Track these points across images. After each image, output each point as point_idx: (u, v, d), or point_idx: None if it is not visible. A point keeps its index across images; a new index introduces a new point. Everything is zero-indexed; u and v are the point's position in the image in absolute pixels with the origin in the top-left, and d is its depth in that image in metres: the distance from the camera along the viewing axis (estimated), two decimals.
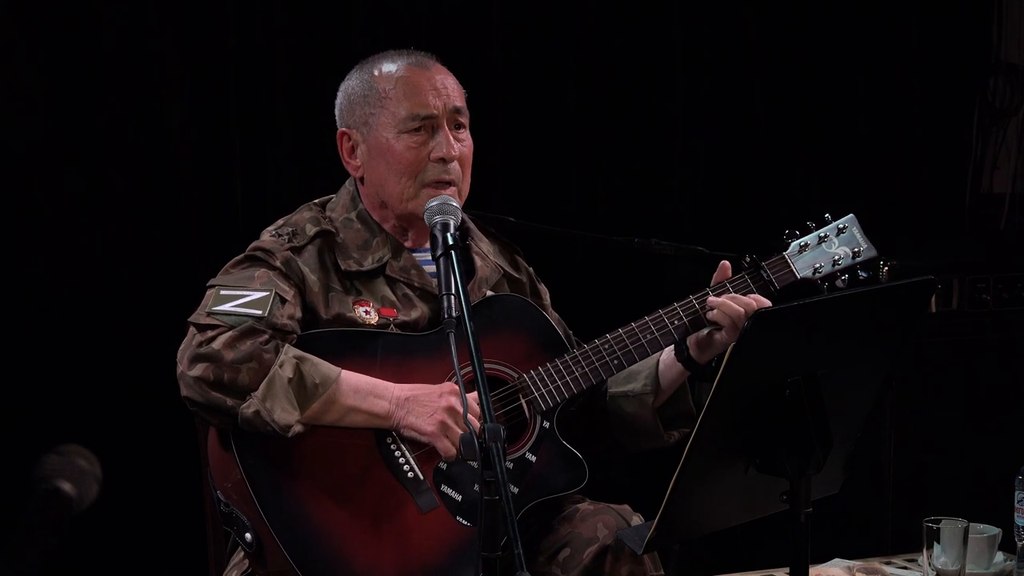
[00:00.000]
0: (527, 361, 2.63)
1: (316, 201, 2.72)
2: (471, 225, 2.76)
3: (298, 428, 2.42)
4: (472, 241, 2.74)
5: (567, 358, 2.63)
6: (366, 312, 2.59)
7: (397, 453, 2.50)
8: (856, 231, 2.80)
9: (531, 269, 2.85)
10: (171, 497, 3.52)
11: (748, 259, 2.73)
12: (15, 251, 3.60)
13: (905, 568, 2.93)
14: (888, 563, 2.95)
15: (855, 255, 2.77)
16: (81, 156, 3.64)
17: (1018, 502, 2.71)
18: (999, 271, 4.01)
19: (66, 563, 2.52)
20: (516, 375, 2.61)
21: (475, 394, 2.17)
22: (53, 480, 1.64)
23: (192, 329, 2.47)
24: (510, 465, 2.56)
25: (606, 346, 2.64)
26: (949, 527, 2.67)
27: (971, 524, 2.71)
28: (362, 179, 2.68)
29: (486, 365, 2.57)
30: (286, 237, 2.60)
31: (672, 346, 2.68)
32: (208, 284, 2.55)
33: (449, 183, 2.62)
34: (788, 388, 2.19)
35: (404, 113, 2.62)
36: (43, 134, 3.60)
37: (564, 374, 2.62)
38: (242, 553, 2.57)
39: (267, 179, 3.83)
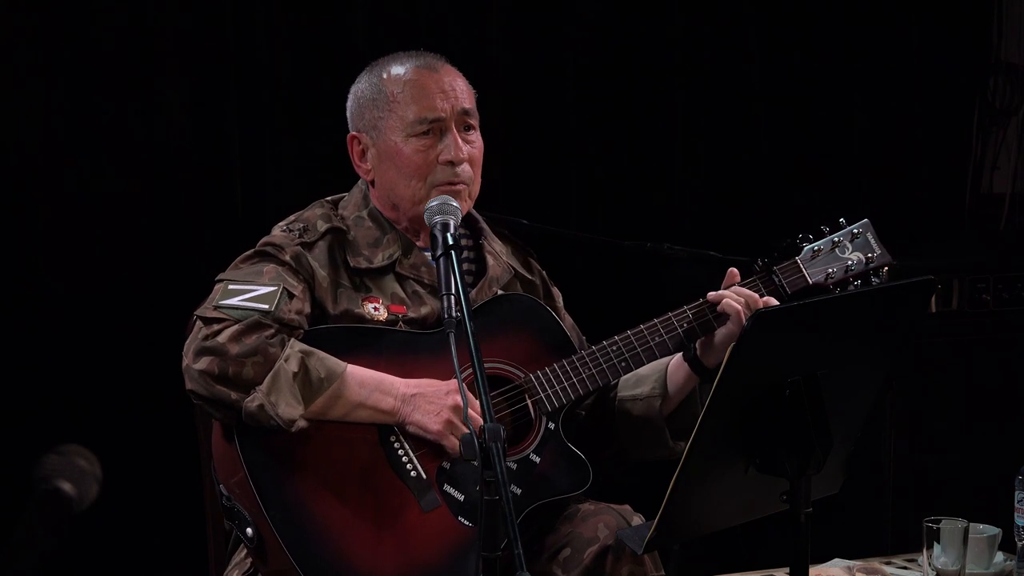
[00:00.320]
0: (534, 361, 2.62)
1: (328, 199, 2.73)
2: (484, 226, 2.77)
3: (302, 423, 2.42)
4: (485, 241, 2.74)
5: (574, 359, 2.63)
6: (375, 308, 2.59)
7: (400, 452, 2.50)
8: (871, 236, 2.77)
9: (544, 272, 2.85)
10: (171, 496, 3.52)
11: (760, 263, 2.72)
12: (15, 251, 3.60)
13: (905, 568, 2.93)
14: (888, 563, 2.95)
15: (868, 261, 2.75)
16: (81, 156, 3.64)
17: (1018, 502, 2.71)
18: (999, 271, 4.01)
19: (66, 563, 2.52)
20: (523, 375, 2.61)
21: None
22: (53, 480, 1.64)
23: (198, 322, 2.48)
24: (514, 466, 2.56)
25: (614, 348, 2.64)
26: (949, 527, 2.67)
27: (971, 524, 2.71)
28: (373, 182, 2.69)
29: (493, 364, 2.57)
30: (297, 232, 2.61)
31: (680, 350, 2.67)
32: (217, 278, 2.56)
33: (458, 184, 2.62)
34: (788, 388, 2.19)
35: (412, 116, 2.62)
36: (43, 134, 3.60)
37: (571, 375, 2.62)
38: (243, 552, 2.57)
39: (267, 179, 3.83)
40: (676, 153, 4.35)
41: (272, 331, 2.44)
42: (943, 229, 4.61)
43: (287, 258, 2.56)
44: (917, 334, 2.35)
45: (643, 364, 2.65)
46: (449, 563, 2.47)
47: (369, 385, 2.48)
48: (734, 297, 2.61)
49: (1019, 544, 2.71)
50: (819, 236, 2.77)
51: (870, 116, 4.54)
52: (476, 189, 2.68)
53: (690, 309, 2.66)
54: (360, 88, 2.70)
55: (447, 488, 2.51)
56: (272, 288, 2.49)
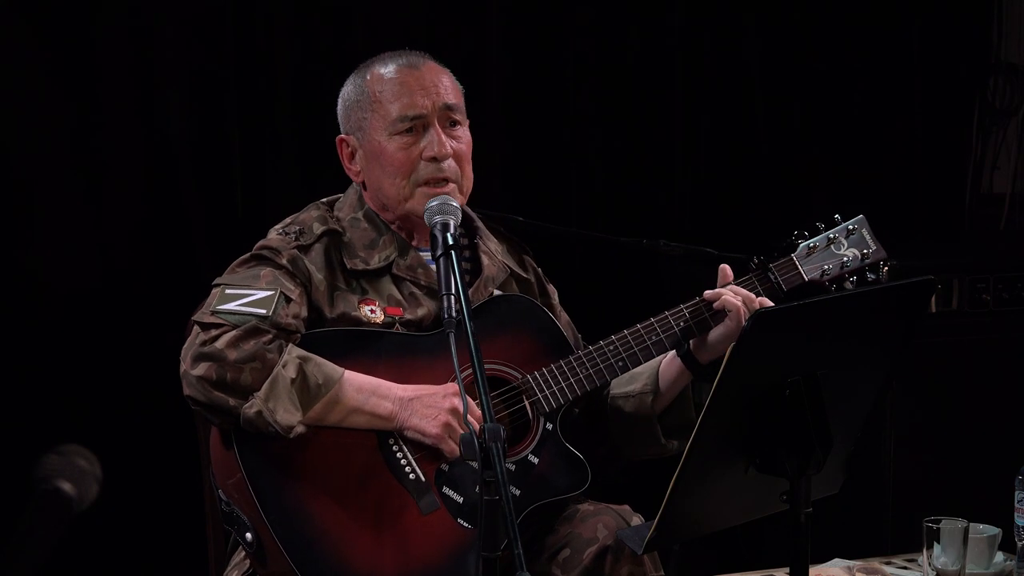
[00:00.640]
0: (532, 362, 2.62)
1: (323, 200, 2.73)
2: (479, 224, 2.76)
3: (300, 429, 2.42)
4: (480, 240, 2.73)
5: (571, 360, 2.63)
6: (372, 311, 2.59)
7: (399, 454, 2.50)
8: (866, 232, 2.78)
9: (539, 269, 2.85)
10: (171, 497, 3.52)
11: (755, 261, 2.72)
12: (15, 251, 3.60)
13: (905, 568, 2.93)
14: (888, 563, 2.95)
15: (864, 257, 2.75)
16: (81, 156, 3.64)
17: (1018, 502, 2.71)
18: (999, 271, 4.01)
19: (66, 563, 2.52)
20: (520, 376, 2.61)
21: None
22: (53, 480, 1.64)
23: (196, 328, 2.47)
24: (512, 467, 2.56)
25: (611, 348, 2.64)
26: (949, 527, 2.67)
27: (971, 524, 2.71)
28: (364, 184, 2.69)
29: (490, 365, 2.57)
30: (293, 235, 2.60)
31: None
32: (214, 283, 2.55)
33: (444, 180, 2.62)
34: (788, 388, 2.19)
35: (394, 114, 2.62)
36: (43, 134, 3.60)
37: (568, 376, 2.61)
38: (243, 553, 2.57)
39: (267, 179, 3.83)
40: (676, 153, 4.35)
41: (270, 336, 2.44)
42: (943, 229, 4.61)
43: (284, 262, 2.55)
44: (917, 334, 2.35)
45: (640, 363, 2.65)
46: (449, 565, 2.47)
47: (366, 390, 2.48)
48: (731, 294, 2.61)
49: (1019, 544, 2.71)
50: (814, 233, 2.77)
51: (870, 116, 4.54)
52: (467, 185, 2.67)
53: (687, 308, 2.66)
54: (346, 91, 2.70)
55: (446, 490, 2.51)
56: (269, 292, 2.49)
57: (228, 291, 2.50)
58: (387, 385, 2.50)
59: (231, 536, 2.58)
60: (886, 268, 2.78)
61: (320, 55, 3.81)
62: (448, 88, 2.66)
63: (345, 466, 2.47)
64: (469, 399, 2.23)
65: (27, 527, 1.61)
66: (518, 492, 2.53)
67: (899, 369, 2.87)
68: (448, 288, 2.24)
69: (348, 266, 2.61)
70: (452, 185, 2.62)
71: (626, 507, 2.61)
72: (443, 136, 2.63)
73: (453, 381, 2.52)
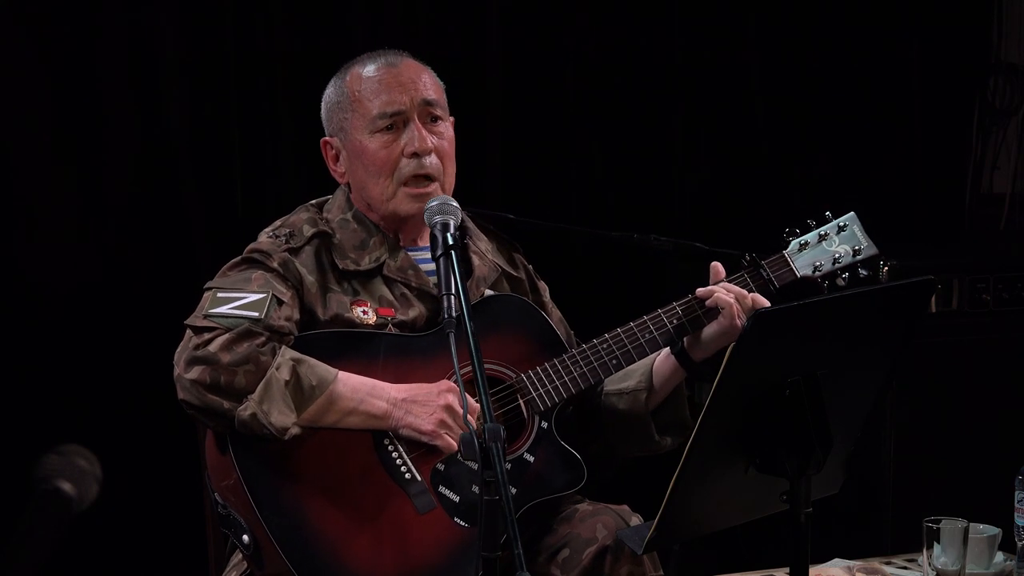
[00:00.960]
0: (525, 361, 2.62)
1: (313, 202, 2.72)
2: (470, 224, 2.76)
3: (295, 430, 2.42)
4: (470, 240, 2.73)
5: (565, 358, 2.63)
6: (364, 312, 2.58)
7: (395, 454, 2.50)
8: (857, 229, 2.79)
9: (530, 266, 2.85)
10: (171, 498, 3.52)
11: (747, 258, 2.73)
12: (14, 251, 3.60)
13: (905, 568, 2.93)
14: (888, 563, 2.95)
15: (856, 253, 2.76)
16: (81, 156, 3.64)
17: (1018, 502, 2.71)
18: (999, 271, 4.01)
19: (66, 563, 2.52)
20: (514, 375, 2.61)
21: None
22: (53, 480, 1.64)
23: (188, 332, 2.47)
24: (508, 465, 2.55)
25: (604, 346, 2.64)
26: (949, 527, 2.67)
27: (971, 524, 2.71)
28: (349, 185, 2.69)
29: (485, 365, 2.56)
30: (283, 238, 2.60)
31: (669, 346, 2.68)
32: (205, 287, 2.55)
33: (427, 177, 2.62)
34: (788, 388, 2.19)
35: (374, 112, 2.62)
36: (42, 134, 3.60)
37: (562, 374, 2.62)
38: (241, 554, 2.57)
39: (267, 179, 3.83)
40: (676, 154, 4.35)
41: (263, 339, 2.43)
42: (943, 229, 4.62)
43: (274, 265, 2.55)
44: (917, 334, 2.35)
45: (634, 361, 2.65)
46: (447, 564, 2.47)
47: (361, 391, 2.48)
48: (724, 292, 2.61)
49: (1019, 544, 2.71)
50: (806, 230, 2.78)
51: (870, 116, 4.54)
52: (450, 183, 2.66)
53: (679, 306, 2.66)
54: (328, 93, 2.71)
55: (442, 489, 2.51)
56: (261, 295, 2.49)
57: (220, 295, 2.50)
58: (381, 385, 2.49)
59: (229, 537, 2.58)
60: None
61: (320, 55, 3.80)
62: (428, 84, 2.66)
63: (341, 467, 2.47)
64: (469, 398, 2.23)
65: (27, 527, 1.61)
66: (514, 490, 2.53)
67: (899, 369, 2.87)
68: (448, 288, 2.24)
69: (340, 266, 2.60)
70: (435, 184, 2.62)
71: (625, 507, 2.61)
72: (424, 131, 2.62)
73: (451, 379, 2.52)
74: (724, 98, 4.38)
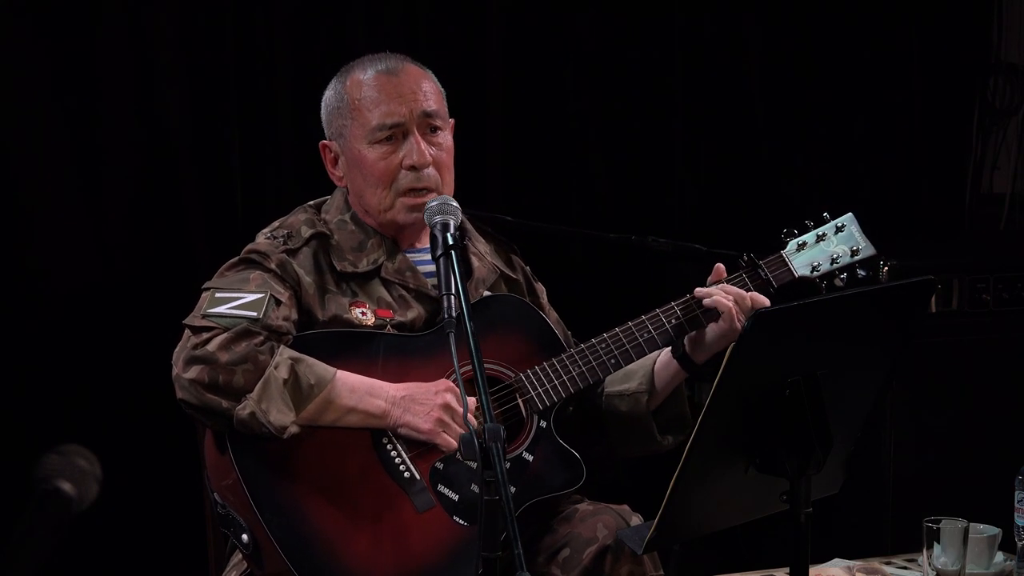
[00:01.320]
0: (524, 361, 2.62)
1: (311, 203, 2.72)
2: (468, 226, 2.76)
3: (294, 429, 2.42)
4: (469, 241, 2.73)
5: (564, 357, 2.63)
6: (362, 313, 2.59)
7: (393, 453, 2.50)
8: (855, 229, 2.79)
9: (527, 268, 2.85)
10: (171, 498, 3.52)
11: (746, 258, 2.73)
12: (14, 250, 3.60)
13: (905, 568, 2.93)
14: (888, 563, 2.95)
15: (854, 253, 2.77)
16: (81, 156, 3.64)
17: (1018, 502, 2.70)
18: (999, 271, 4.01)
19: (66, 563, 2.52)
20: (513, 374, 2.61)
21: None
22: (53, 480, 1.64)
23: (187, 331, 2.47)
24: (507, 465, 2.55)
25: (603, 345, 2.64)
26: (949, 527, 2.67)
27: (971, 524, 2.71)
28: (347, 188, 2.69)
29: (484, 364, 2.57)
30: (281, 239, 2.60)
31: (669, 346, 2.68)
32: (203, 287, 2.55)
33: (425, 190, 2.61)
34: (788, 388, 2.19)
35: (373, 123, 2.61)
36: (43, 133, 3.60)
37: (561, 373, 2.62)
38: (241, 554, 2.57)
39: (267, 179, 3.83)
40: (676, 154, 4.35)
41: (261, 338, 2.44)
42: (943, 229, 4.62)
43: (272, 266, 2.55)
44: (917, 334, 2.35)
45: (632, 361, 2.65)
46: (446, 563, 2.47)
47: (359, 390, 2.48)
48: (723, 294, 2.61)
49: (1019, 544, 2.71)
50: (804, 230, 2.78)
51: (870, 116, 4.54)
52: (448, 190, 2.65)
53: (678, 305, 2.66)
54: (328, 96, 2.70)
55: (441, 488, 2.51)
56: (259, 295, 2.49)
57: (218, 295, 2.50)
58: (380, 384, 2.50)
59: (229, 537, 2.58)
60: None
61: (320, 55, 3.81)
62: (428, 93, 2.65)
63: (340, 466, 2.47)
64: (469, 397, 2.23)
65: (27, 527, 1.61)
66: (513, 489, 2.53)
67: (899, 369, 2.87)
68: (448, 288, 2.24)
69: (337, 268, 2.61)
70: (432, 195, 2.60)
71: (625, 507, 2.61)
72: (423, 144, 2.62)
73: (450, 379, 2.52)
74: (724, 98, 4.38)
